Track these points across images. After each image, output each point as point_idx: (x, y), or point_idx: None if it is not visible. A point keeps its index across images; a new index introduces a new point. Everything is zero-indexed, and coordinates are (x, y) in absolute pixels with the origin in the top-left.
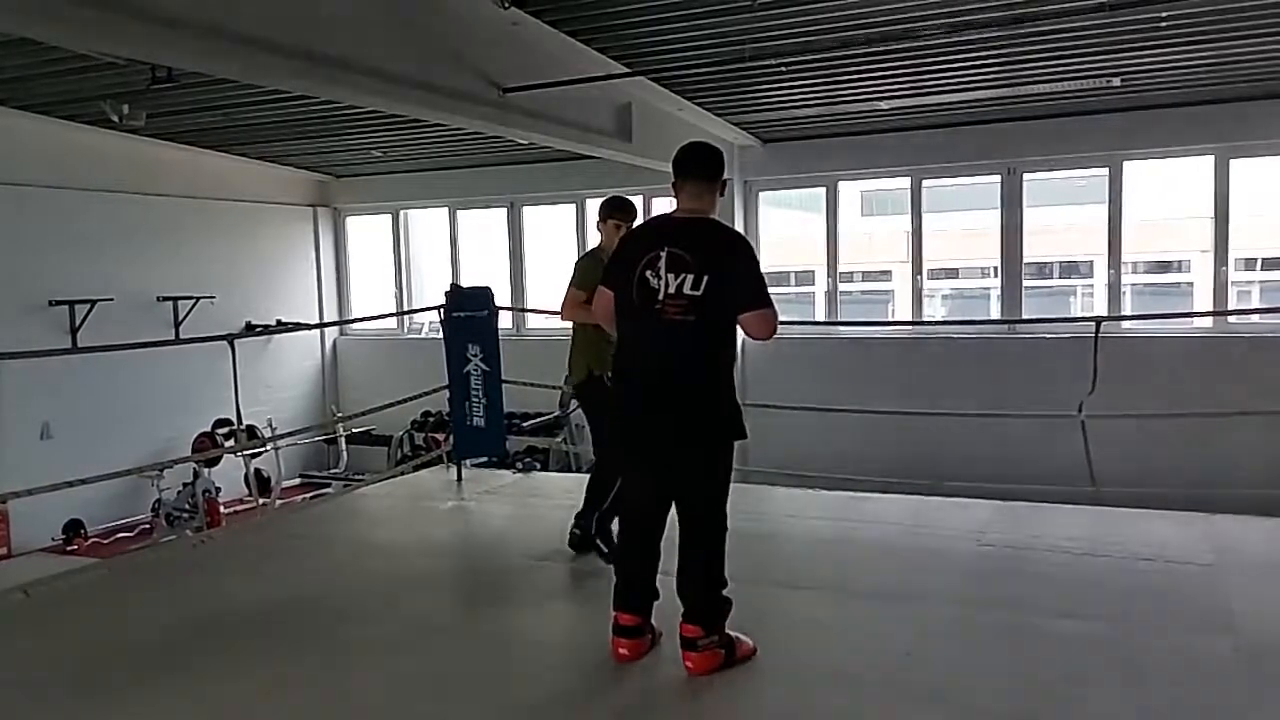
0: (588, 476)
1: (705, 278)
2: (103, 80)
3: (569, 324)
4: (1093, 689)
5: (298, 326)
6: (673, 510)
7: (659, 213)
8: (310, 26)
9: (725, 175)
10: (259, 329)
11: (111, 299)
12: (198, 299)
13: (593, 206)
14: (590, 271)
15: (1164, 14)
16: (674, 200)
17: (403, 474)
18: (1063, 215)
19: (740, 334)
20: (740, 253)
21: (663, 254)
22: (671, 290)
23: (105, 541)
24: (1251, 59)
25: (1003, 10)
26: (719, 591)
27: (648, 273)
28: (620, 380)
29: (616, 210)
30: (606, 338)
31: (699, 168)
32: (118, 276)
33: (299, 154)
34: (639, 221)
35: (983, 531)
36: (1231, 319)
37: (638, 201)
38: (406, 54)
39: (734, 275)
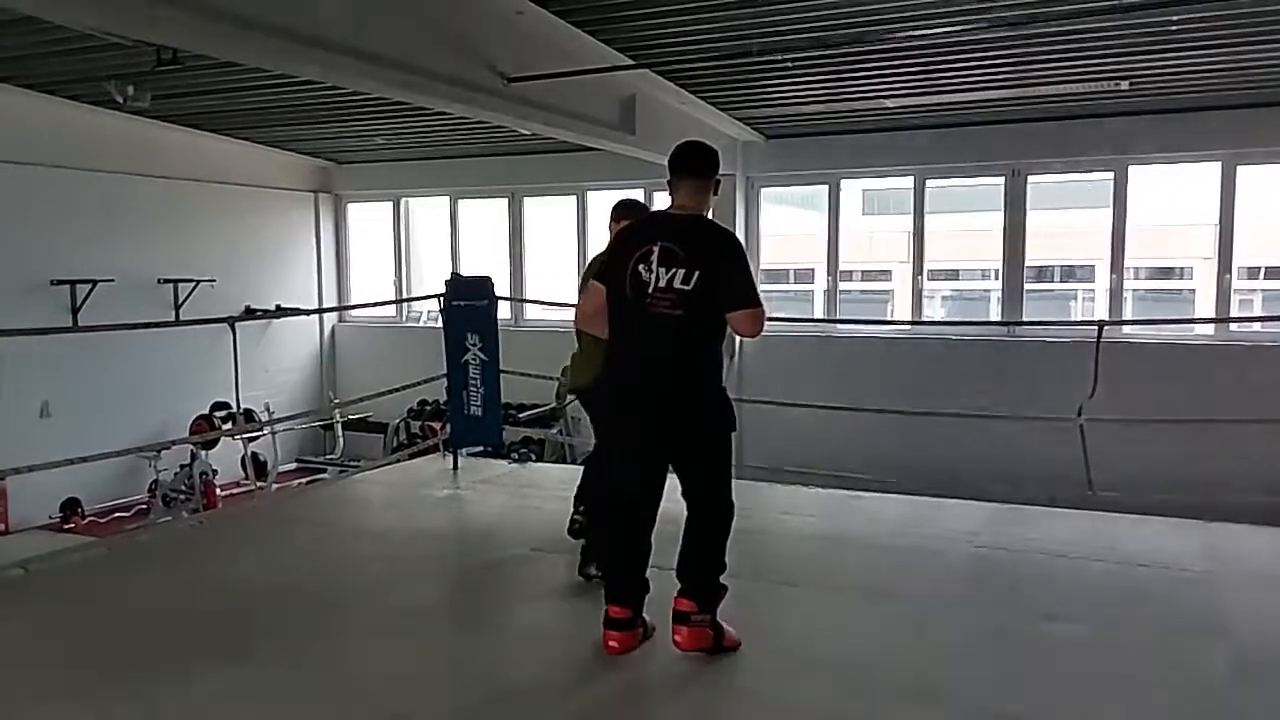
0: (581, 469)
1: (696, 273)
2: (108, 60)
3: (569, 319)
4: (1083, 693)
5: (297, 312)
6: (669, 502)
7: (659, 208)
8: (314, 10)
9: (722, 173)
10: (258, 313)
11: (113, 280)
12: (198, 282)
13: (594, 199)
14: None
15: (1174, 17)
16: (670, 197)
17: (399, 461)
18: (1066, 218)
19: (736, 337)
20: (731, 251)
21: (655, 248)
22: (662, 284)
23: (102, 520)
24: (1262, 65)
25: (1013, 10)
26: (717, 574)
27: (640, 266)
28: (611, 373)
29: (630, 213)
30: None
31: (694, 166)
32: (119, 257)
33: (302, 139)
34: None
35: (977, 533)
36: (1233, 327)
37: (639, 196)
38: (410, 40)
39: (724, 273)
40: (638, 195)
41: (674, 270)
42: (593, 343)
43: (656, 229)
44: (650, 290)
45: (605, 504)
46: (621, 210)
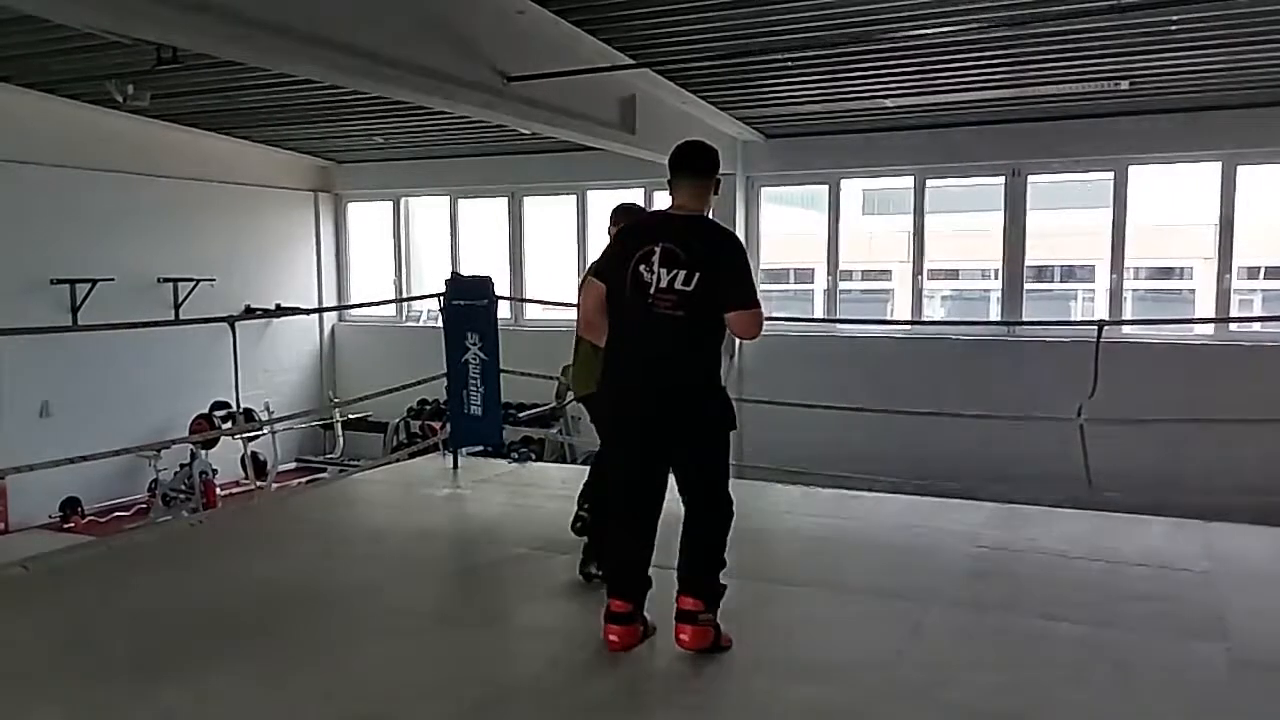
0: (587, 469)
1: (697, 274)
2: (108, 59)
3: (571, 318)
4: (1083, 692)
5: (297, 311)
6: (669, 501)
7: (658, 208)
8: (314, 9)
9: (722, 172)
10: (258, 313)
11: (112, 279)
12: (198, 281)
13: (594, 198)
14: None
15: (1174, 17)
16: (670, 197)
17: (398, 461)
18: (1066, 218)
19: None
20: (732, 252)
21: (657, 249)
22: (664, 284)
23: (102, 520)
24: (1262, 65)
25: (1012, 10)
26: (719, 573)
27: (641, 266)
28: (610, 373)
29: (628, 217)
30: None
31: (694, 166)
32: (119, 256)
33: (302, 139)
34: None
35: (978, 533)
36: (1233, 327)
37: (639, 195)
38: (410, 39)
39: (725, 274)
40: (638, 195)
41: (675, 271)
42: (591, 351)
43: (657, 229)
44: (652, 291)
45: (608, 501)
46: (621, 215)
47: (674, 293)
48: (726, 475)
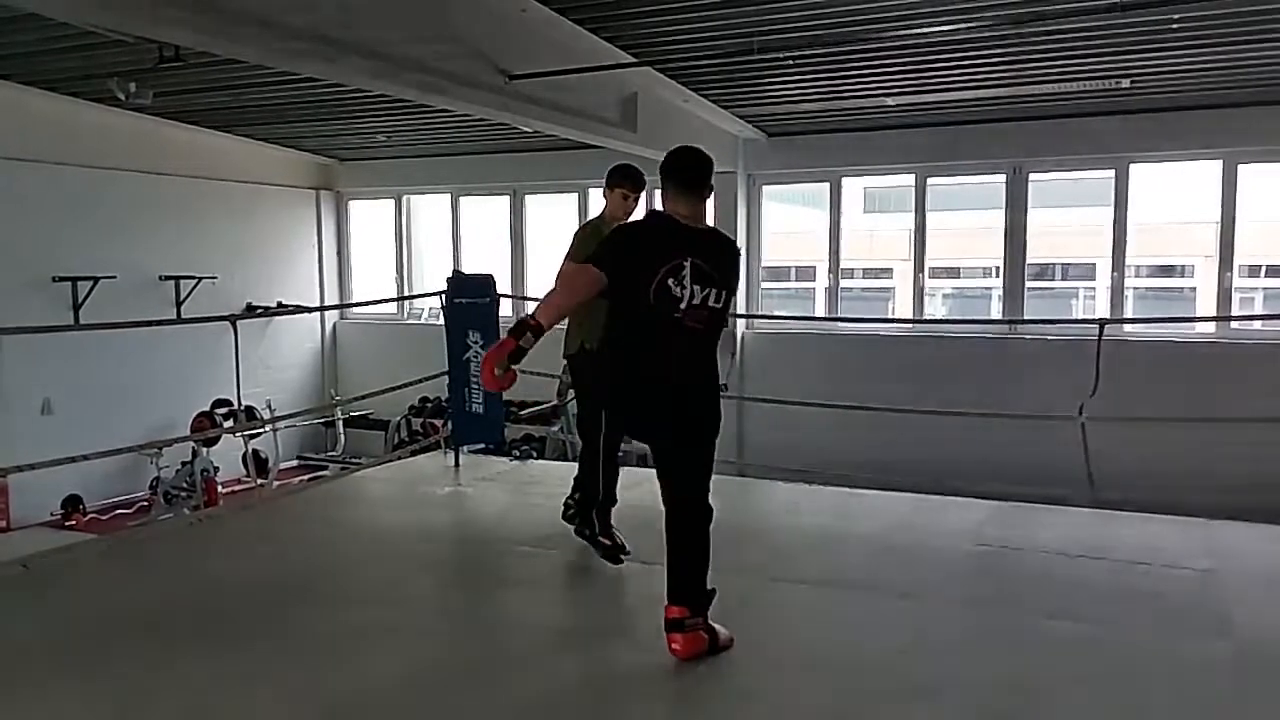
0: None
1: (724, 294)
2: (110, 58)
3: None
4: (1084, 690)
5: (298, 309)
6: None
7: (661, 209)
8: (318, 8)
9: (724, 170)
10: (260, 310)
11: (114, 277)
12: (200, 279)
13: (595, 196)
14: (590, 244)
15: (1175, 16)
16: (671, 204)
17: (400, 459)
18: (1067, 217)
19: (737, 335)
20: (739, 268)
21: (687, 264)
22: (696, 302)
23: (103, 518)
24: (1263, 64)
25: (1013, 9)
26: (704, 577)
27: (670, 280)
28: (621, 381)
29: (625, 179)
30: (599, 311)
31: (700, 177)
32: (121, 255)
33: (304, 136)
34: (644, 200)
35: (979, 531)
36: (1234, 325)
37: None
38: (412, 38)
39: (734, 290)
40: None
41: (708, 290)
42: (584, 316)
43: (684, 241)
44: (683, 306)
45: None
46: (620, 176)
47: (706, 310)
48: (709, 478)
